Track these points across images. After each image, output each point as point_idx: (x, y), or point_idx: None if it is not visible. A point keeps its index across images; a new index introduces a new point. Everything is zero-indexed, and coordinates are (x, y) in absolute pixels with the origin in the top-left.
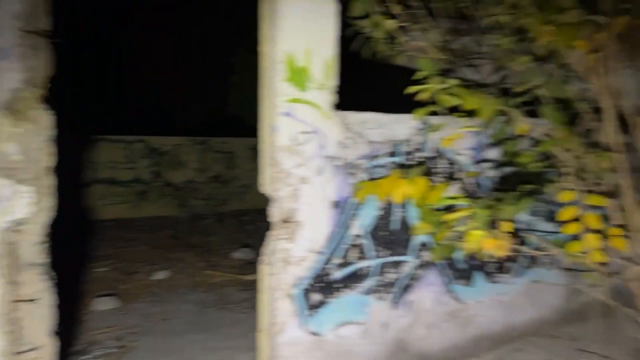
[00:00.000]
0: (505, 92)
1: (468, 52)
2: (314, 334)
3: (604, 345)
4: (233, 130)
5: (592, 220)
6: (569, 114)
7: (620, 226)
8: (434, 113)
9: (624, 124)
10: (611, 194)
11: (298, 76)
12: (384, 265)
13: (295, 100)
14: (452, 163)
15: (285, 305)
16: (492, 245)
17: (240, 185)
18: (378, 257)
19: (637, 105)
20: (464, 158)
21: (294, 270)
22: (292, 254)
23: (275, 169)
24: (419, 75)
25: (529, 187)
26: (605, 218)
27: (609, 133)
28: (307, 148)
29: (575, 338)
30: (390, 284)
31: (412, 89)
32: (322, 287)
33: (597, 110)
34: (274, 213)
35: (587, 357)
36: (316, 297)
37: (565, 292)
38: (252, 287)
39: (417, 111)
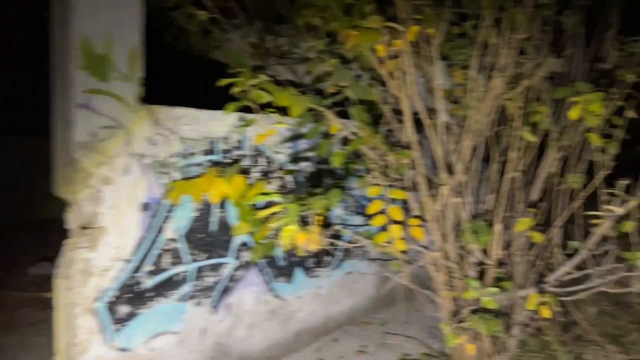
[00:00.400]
0: (319, 92)
1: (284, 51)
2: (123, 349)
3: (407, 326)
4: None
5: (395, 212)
6: (374, 114)
7: (418, 217)
8: (250, 110)
9: (419, 125)
10: (410, 187)
11: (97, 64)
12: (201, 269)
13: (94, 91)
14: (270, 161)
15: (87, 322)
16: (304, 239)
17: (41, 191)
18: (195, 261)
19: (428, 108)
20: (281, 155)
21: (96, 282)
22: (94, 264)
23: (72, 169)
24: (231, 69)
25: (338, 182)
26: (406, 210)
27: (407, 132)
28: (110, 145)
29: (385, 322)
30: (209, 288)
31: (222, 82)
32: (130, 297)
33: (397, 112)
34: (72, 219)
35: (393, 339)
36: (124, 309)
37: (376, 280)
38: (52, 305)
39: (228, 106)
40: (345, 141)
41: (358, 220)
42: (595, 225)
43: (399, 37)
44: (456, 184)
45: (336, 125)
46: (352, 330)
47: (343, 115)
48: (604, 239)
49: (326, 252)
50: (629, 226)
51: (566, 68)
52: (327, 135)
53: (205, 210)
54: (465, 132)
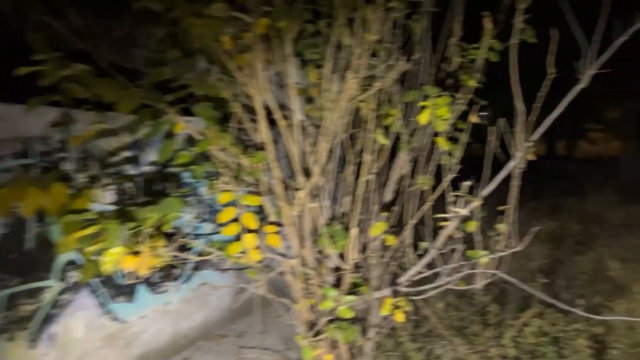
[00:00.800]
0: (162, 87)
1: (117, 38)
2: None
3: (264, 336)
4: None
5: (249, 220)
6: (224, 112)
7: (275, 223)
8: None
9: (273, 124)
10: (266, 192)
11: None
12: (14, 297)
13: None
14: (103, 165)
15: None
16: (132, 263)
17: None
18: (4, 287)
19: (282, 106)
20: (117, 158)
21: None
22: None
23: None
24: (37, 56)
25: (184, 191)
26: (262, 216)
27: (261, 132)
28: None
29: (242, 334)
30: (26, 318)
31: (21, 70)
32: None
33: (249, 110)
34: None
35: (250, 352)
36: None
37: (231, 291)
38: None
39: (31, 101)
40: (192, 142)
41: (210, 228)
42: (442, 226)
43: (248, 30)
44: (313, 187)
45: (180, 124)
46: (206, 345)
47: (191, 112)
48: (451, 238)
49: (172, 266)
50: (472, 226)
51: (415, 71)
52: (170, 135)
53: (17, 225)
54: (321, 134)
